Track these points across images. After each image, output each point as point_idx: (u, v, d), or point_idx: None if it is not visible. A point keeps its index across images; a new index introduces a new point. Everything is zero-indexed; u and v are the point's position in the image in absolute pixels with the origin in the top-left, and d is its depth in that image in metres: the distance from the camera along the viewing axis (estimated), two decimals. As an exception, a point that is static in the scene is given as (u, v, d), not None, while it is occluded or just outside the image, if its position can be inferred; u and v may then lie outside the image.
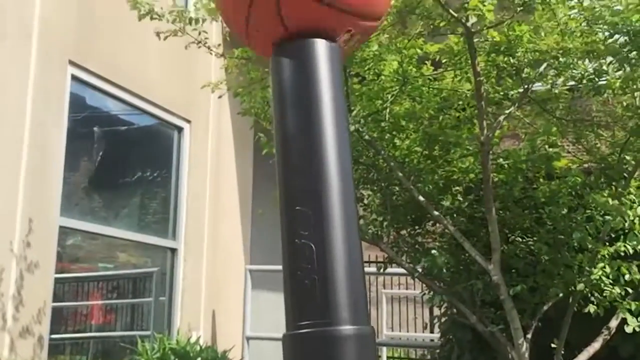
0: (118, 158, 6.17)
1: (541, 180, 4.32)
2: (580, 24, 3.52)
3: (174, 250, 6.26)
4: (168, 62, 6.13)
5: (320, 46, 1.25)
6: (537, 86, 4.15)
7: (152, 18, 4.12)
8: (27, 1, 4.81)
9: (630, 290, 3.83)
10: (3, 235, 4.45)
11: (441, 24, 3.79)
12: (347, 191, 1.20)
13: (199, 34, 4.19)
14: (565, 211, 4.02)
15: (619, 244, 3.81)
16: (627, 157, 4.07)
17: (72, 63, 5.15)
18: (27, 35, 4.76)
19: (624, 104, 4.15)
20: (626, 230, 3.77)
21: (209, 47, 4.27)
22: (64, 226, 5.01)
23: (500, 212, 4.24)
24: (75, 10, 5.20)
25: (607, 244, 3.91)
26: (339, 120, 1.24)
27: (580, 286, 3.81)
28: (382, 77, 4.19)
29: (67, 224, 5.05)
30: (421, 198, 4.11)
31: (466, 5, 3.49)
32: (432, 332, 8.58)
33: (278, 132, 1.24)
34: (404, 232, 4.75)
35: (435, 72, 4.34)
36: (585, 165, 4.50)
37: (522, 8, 3.53)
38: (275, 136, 1.24)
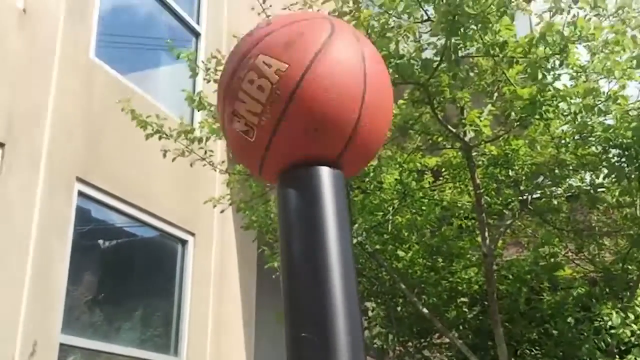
0: (121, 271, 6.15)
1: (546, 290, 4.30)
2: (574, 138, 3.63)
3: (175, 366, 6.11)
4: (173, 176, 6.24)
5: (323, 173, 1.30)
6: (537, 196, 4.22)
7: (160, 138, 4.24)
8: (36, 125, 4.96)
9: (644, 406, 3.72)
10: (2, 353, 4.37)
11: (439, 139, 3.90)
12: (353, 316, 1.21)
13: (205, 152, 4.30)
14: (572, 322, 3.98)
15: (629, 356, 3.74)
16: (631, 267, 4.06)
17: (79, 180, 5.25)
18: (36, 159, 4.87)
19: (624, 212, 4.19)
20: (635, 343, 3.71)
21: (212, 164, 4.38)
22: (64, 343, 4.92)
23: (507, 324, 4.19)
24: (81, 129, 5.36)
25: (617, 356, 3.83)
26: (342, 245, 1.27)
27: (593, 402, 3.71)
28: (383, 187, 4.27)
29: (67, 342, 4.96)
30: (425, 310, 4.08)
31: (463, 120, 3.61)
32: None
33: (284, 259, 1.27)
34: (409, 344, 4.67)
35: (434, 184, 4.42)
36: (590, 274, 4.49)
37: (518, 123, 3.64)
38: (281, 263, 1.27)
